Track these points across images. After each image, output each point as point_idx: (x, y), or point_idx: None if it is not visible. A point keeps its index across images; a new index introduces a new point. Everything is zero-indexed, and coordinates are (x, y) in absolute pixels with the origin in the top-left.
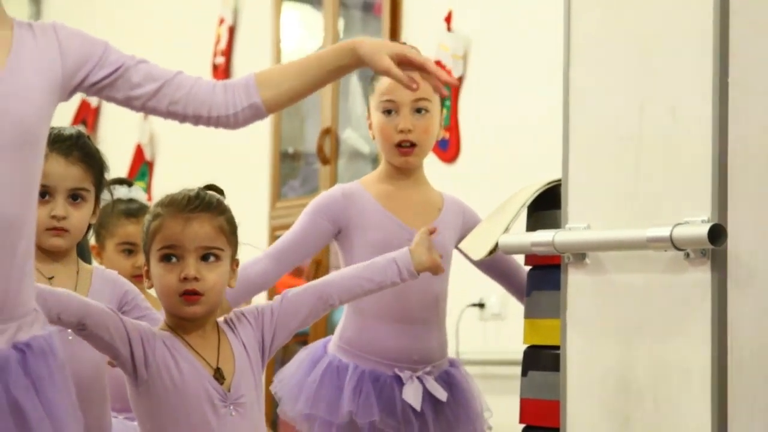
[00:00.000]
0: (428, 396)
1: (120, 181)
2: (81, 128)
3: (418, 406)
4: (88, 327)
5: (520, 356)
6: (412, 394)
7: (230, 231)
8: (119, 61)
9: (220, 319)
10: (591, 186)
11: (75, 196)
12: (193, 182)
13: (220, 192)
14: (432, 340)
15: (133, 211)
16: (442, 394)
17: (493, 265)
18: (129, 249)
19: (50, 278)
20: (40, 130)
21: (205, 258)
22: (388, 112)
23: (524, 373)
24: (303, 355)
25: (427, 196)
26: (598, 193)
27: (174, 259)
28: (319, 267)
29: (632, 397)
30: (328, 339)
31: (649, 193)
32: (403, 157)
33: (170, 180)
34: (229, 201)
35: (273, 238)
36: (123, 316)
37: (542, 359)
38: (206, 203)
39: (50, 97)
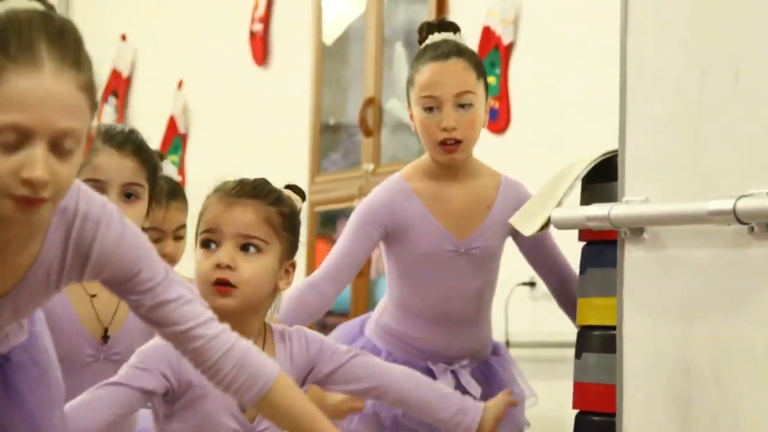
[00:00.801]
0: (461, 391)
1: None
2: (133, 127)
3: None
4: (119, 422)
5: (573, 338)
6: None
7: (282, 225)
8: (141, 294)
9: (279, 327)
10: (649, 157)
11: (128, 194)
12: (228, 156)
13: (300, 193)
14: (472, 338)
15: (163, 193)
16: (475, 390)
17: (544, 261)
18: (155, 237)
19: (93, 296)
20: None
21: (244, 248)
22: (429, 109)
23: (578, 356)
24: (339, 332)
25: (477, 192)
26: (656, 164)
27: (212, 246)
28: None
29: (693, 380)
30: (366, 317)
31: (711, 164)
32: (448, 154)
33: (204, 154)
34: (267, 175)
35: (312, 213)
36: (145, 375)
37: (597, 341)
38: (257, 190)
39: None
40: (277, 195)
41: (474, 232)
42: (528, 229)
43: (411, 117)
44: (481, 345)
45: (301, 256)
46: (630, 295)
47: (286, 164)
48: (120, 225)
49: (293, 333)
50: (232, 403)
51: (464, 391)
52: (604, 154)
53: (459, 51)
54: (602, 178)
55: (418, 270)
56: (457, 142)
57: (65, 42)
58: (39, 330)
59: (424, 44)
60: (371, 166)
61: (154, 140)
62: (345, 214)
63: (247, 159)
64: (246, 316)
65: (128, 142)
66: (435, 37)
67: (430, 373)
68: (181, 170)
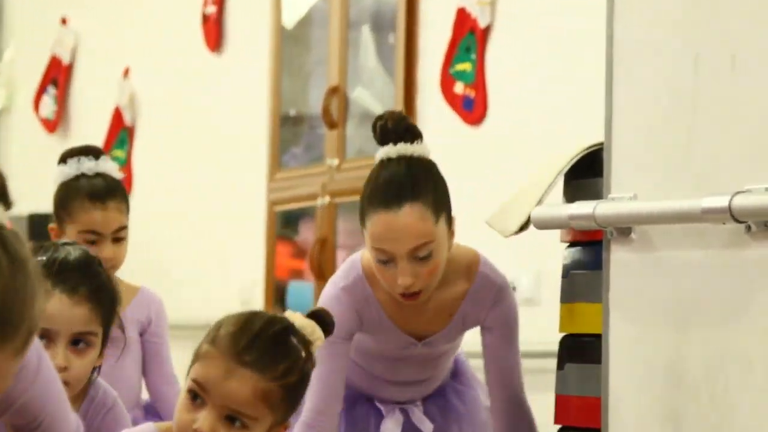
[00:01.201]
0: (411, 427)
1: (86, 151)
2: (88, 251)
3: None
4: None
5: (555, 347)
6: (390, 430)
7: (283, 398)
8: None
9: None
10: (637, 150)
11: (77, 341)
12: (179, 151)
13: (327, 326)
14: (427, 388)
15: (100, 192)
16: (427, 428)
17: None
18: (92, 239)
19: None
20: None
21: (230, 419)
22: (384, 261)
23: (560, 366)
24: None
25: (442, 304)
26: (645, 159)
27: (198, 401)
28: (324, 245)
29: (685, 392)
30: None
31: (705, 158)
32: (408, 301)
33: (153, 148)
34: (222, 172)
35: (272, 213)
36: None
37: (581, 350)
38: (268, 357)
39: None
40: (289, 363)
41: (434, 335)
42: (505, 230)
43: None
44: (436, 387)
45: (259, 259)
46: (617, 301)
47: (243, 159)
48: (33, 371)
49: None
50: None
51: (414, 428)
52: (589, 148)
53: (413, 191)
54: (587, 174)
55: (371, 354)
56: (416, 293)
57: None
58: None
59: (376, 163)
60: (336, 161)
61: (98, 134)
62: (308, 213)
63: (200, 154)
64: None
65: (83, 284)
66: (389, 151)
67: (377, 411)
68: (127, 167)
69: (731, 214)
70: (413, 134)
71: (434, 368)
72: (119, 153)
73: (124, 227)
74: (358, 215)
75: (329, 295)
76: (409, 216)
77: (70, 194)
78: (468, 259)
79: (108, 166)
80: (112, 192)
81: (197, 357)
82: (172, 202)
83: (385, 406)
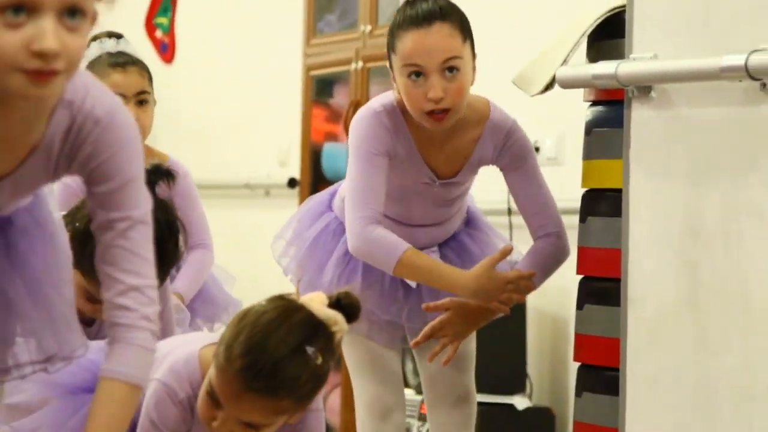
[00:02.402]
0: None
1: (108, 35)
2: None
3: (413, 283)
4: None
5: (576, 204)
6: None
7: (294, 405)
8: (99, 204)
9: None
10: (658, 11)
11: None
12: (220, 19)
13: (348, 309)
14: (443, 233)
15: (120, 59)
16: None
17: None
18: None
19: None
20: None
21: (247, 423)
22: (415, 74)
23: (582, 219)
24: (308, 206)
25: (462, 142)
26: (665, 19)
27: (216, 402)
28: (357, 109)
29: (701, 242)
30: (335, 190)
31: (723, 17)
32: (436, 123)
33: (195, 16)
34: (258, 38)
35: (308, 79)
36: None
37: (602, 204)
38: (273, 386)
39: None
40: (303, 379)
41: (454, 173)
42: (531, 89)
43: (393, 79)
44: (453, 232)
45: (296, 123)
46: (637, 156)
47: (280, 26)
48: (120, 134)
49: None
50: None
51: None
52: (612, 9)
53: (442, 13)
54: (609, 35)
55: (389, 192)
56: (445, 110)
57: None
58: (45, 192)
59: (403, 2)
60: (369, 27)
61: (140, 1)
62: (342, 78)
63: (239, 20)
64: None
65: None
66: None
67: None
68: (170, 34)
69: (747, 72)
70: None
71: (447, 211)
72: (163, 20)
73: (146, 91)
74: (386, 46)
75: (365, 115)
76: (440, 32)
77: (93, 67)
78: (479, 106)
79: (127, 46)
80: (133, 61)
81: (216, 359)
82: (214, 69)
83: None
